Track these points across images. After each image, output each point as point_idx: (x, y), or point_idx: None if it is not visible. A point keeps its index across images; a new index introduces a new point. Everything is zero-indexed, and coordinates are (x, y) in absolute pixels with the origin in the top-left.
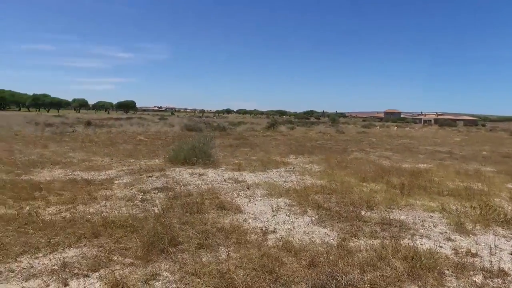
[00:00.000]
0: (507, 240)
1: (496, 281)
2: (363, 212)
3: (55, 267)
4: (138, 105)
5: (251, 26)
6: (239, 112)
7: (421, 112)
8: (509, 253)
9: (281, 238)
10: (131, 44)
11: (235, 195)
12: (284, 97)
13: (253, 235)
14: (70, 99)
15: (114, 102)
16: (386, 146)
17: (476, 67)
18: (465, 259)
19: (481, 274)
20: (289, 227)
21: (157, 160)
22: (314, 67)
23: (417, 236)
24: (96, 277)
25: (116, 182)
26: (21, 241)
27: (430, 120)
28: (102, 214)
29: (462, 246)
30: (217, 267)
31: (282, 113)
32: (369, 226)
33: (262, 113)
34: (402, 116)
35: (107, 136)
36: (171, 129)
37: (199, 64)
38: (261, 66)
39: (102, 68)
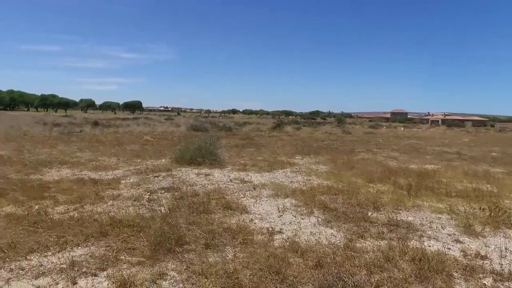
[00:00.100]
0: None
1: (507, 284)
2: (369, 213)
3: (64, 266)
4: (144, 105)
5: (251, 26)
6: (245, 112)
7: (429, 113)
8: None
9: (288, 238)
10: (137, 45)
11: (241, 195)
12: (289, 97)
13: (259, 236)
14: (77, 99)
15: (121, 102)
16: (393, 146)
17: (485, 67)
18: (474, 262)
19: (491, 277)
20: (296, 227)
21: (163, 160)
22: (319, 67)
23: (425, 238)
24: (104, 276)
25: (123, 182)
26: (30, 239)
27: (438, 121)
28: (110, 214)
29: (471, 248)
30: (224, 267)
31: (288, 113)
32: (376, 227)
33: (268, 113)
34: (409, 116)
35: (114, 136)
36: (177, 129)
37: (205, 64)
38: (268, 66)
39: (108, 68)
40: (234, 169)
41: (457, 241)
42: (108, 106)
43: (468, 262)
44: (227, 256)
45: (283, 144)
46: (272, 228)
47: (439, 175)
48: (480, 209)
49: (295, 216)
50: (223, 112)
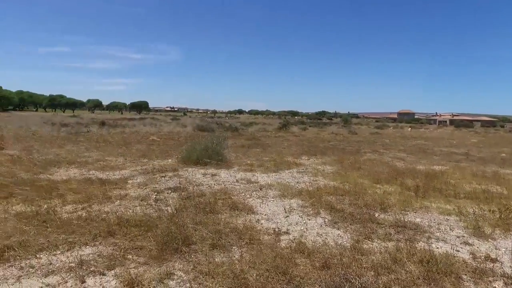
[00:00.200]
0: None
1: None
2: (376, 214)
3: (73, 264)
4: (150, 105)
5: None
6: (251, 112)
7: (436, 113)
8: None
9: (294, 239)
10: (144, 45)
11: (248, 196)
12: (295, 98)
13: (266, 236)
14: (84, 100)
15: (128, 102)
16: (400, 147)
17: (495, 66)
18: (484, 264)
19: (502, 280)
20: (302, 228)
21: (170, 160)
22: (322, 67)
23: (433, 240)
24: (112, 275)
25: (130, 181)
26: (40, 238)
27: (446, 121)
28: (117, 213)
29: (480, 250)
30: (231, 267)
31: (294, 113)
32: (383, 228)
33: (274, 113)
34: (416, 116)
35: (120, 136)
36: (183, 130)
37: (211, 65)
38: (269, 66)
39: (115, 69)
40: (241, 170)
41: (466, 243)
42: (115, 107)
43: (478, 264)
44: (234, 256)
45: (289, 145)
46: (279, 228)
47: (447, 176)
48: (489, 211)
49: (301, 217)
50: (229, 112)
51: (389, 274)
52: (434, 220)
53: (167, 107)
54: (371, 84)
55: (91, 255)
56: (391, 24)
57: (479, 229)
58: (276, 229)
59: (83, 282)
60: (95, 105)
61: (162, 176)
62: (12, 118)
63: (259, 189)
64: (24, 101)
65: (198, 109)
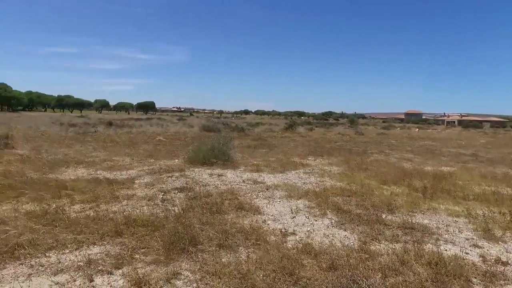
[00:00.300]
0: None
1: None
2: (384, 215)
3: (81, 263)
4: (157, 105)
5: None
6: (257, 113)
7: (444, 113)
8: None
9: (301, 240)
10: (150, 46)
11: (254, 196)
12: (302, 98)
13: (272, 237)
14: (92, 100)
15: (134, 102)
16: (407, 148)
17: (505, 66)
18: (495, 268)
19: None
20: (309, 229)
21: (176, 160)
22: (330, 67)
23: (441, 241)
24: (120, 274)
25: (137, 181)
26: (49, 237)
27: (454, 122)
28: (124, 213)
29: (490, 253)
30: (237, 267)
31: (300, 114)
32: (391, 230)
33: (280, 114)
34: (423, 117)
35: (127, 137)
36: (190, 130)
37: (216, 65)
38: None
39: (122, 69)
40: (247, 170)
41: (476, 245)
42: (122, 107)
43: (488, 268)
44: (240, 257)
45: (295, 145)
46: (285, 229)
47: (456, 177)
48: (500, 213)
49: (308, 218)
50: (235, 112)
51: (396, 276)
52: (442, 221)
53: (173, 107)
54: (377, 85)
55: (99, 254)
56: (392, 24)
57: (489, 232)
58: (283, 230)
59: (91, 280)
60: (102, 105)
61: (169, 176)
62: (22, 118)
63: (265, 190)
64: (33, 102)
65: (204, 110)
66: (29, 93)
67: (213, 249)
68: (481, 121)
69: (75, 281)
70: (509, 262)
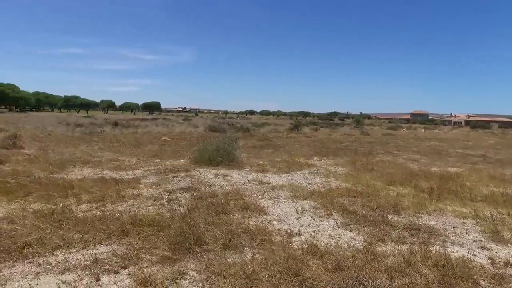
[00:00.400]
0: None
1: None
2: (390, 216)
3: (88, 262)
4: (162, 106)
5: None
6: (262, 113)
7: (451, 114)
8: None
9: (306, 240)
10: (155, 46)
11: (260, 197)
12: (304, 98)
13: (278, 237)
14: (98, 100)
15: (140, 103)
16: (413, 148)
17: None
18: (504, 270)
19: None
20: (314, 230)
21: (182, 160)
22: (333, 67)
23: (449, 243)
24: (126, 274)
25: (143, 181)
26: (56, 236)
27: (461, 122)
28: (130, 213)
29: (499, 256)
30: (243, 268)
31: (305, 114)
32: (397, 231)
33: (285, 114)
34: (430, 117)
35: (133, 137)
36: (195, 130)
37: (221, 65)
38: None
39: (128, 70)
40: (252, 170)
41: (484, 247)
42: (127, 107)
43: (497, 270)
44: (246, 257)
45: (301, 145)
46: (291, 230)
47: (463, 178)
48: (508, 214)
49: (313, 218)
50: (241, 113)
51: (403, 277)
52: (449, 223)
53: (178, 107)
54: (382, 85)
55: (105, 253)
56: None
57: (497, 234)
58: (288, 230)
59: (98, 280)
60: (108, 105)
61: (174, 176)
62: (29, 118)
63: (271, 190)
64: (40, 102)
65: (209, 110)
66: (37, 93)
67: (218, 249)
68: (489, 122)
69: (82, 280)
70: None
